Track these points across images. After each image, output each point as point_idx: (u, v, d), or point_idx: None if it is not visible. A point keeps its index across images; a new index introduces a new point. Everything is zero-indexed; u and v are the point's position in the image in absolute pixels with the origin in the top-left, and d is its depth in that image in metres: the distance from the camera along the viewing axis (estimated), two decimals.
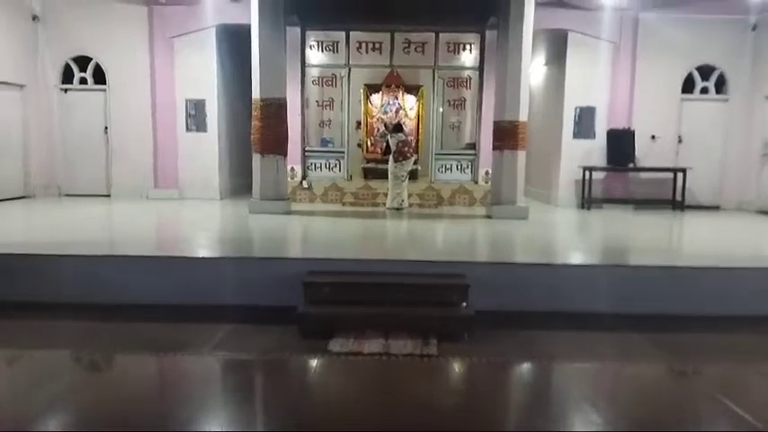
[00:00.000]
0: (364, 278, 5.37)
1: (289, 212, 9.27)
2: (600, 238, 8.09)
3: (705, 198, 11.11)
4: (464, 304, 5.17)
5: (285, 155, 9.31)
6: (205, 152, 11.07)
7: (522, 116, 9.05)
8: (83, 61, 11.09)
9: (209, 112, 11.03)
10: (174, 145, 11.11)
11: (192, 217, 9.31)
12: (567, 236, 8.38)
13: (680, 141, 11.07)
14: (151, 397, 3.84)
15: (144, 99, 11.00)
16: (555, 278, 5.64)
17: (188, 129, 11.09)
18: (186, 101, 11.03)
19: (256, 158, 9.14)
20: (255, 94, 9.04)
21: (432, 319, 4.97)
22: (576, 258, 6.50)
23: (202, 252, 6.31)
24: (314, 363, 4.37)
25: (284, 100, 9.22)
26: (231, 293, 5.52)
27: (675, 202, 10.77)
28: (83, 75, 11.11)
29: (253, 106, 9.10)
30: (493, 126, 9.35)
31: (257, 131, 9.07)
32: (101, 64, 11.02)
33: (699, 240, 8.02)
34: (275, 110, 9.05)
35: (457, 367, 4.40)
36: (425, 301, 5.19)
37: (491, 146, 9.63)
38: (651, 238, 8.08)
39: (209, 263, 5.72)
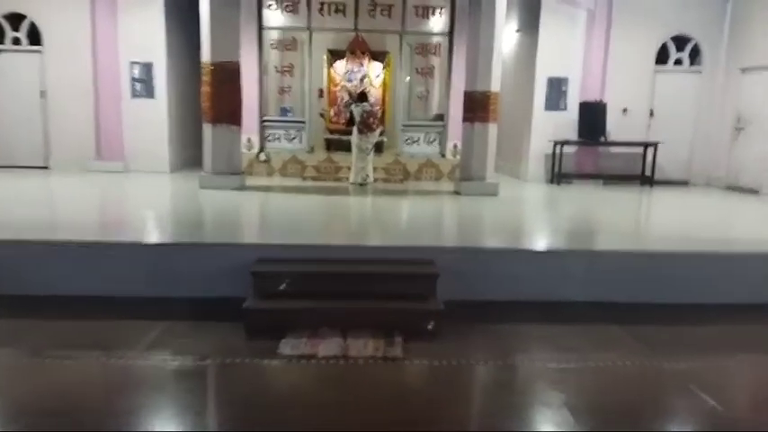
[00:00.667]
0: (321, 267, 4.74)
1: (243, 188, 8.50)
2: (572, 218, 7.57)
3: (674, 173, 10.78)
4: (432, 296, 4.60)
5: (239, 124, 8.49)
6: (153, 120, 10.11)
7: (495, 86, 8.43)
8: (15, 19, 9.88)
9: (158, 76, 10.04)
10: (118, 112, 10.11)
11: (133, 193, 8.47)
12: (539, 216, 7.84)
13: (651, 115, 10.65)
14: (60, 409, 3.15)
15: (84, 61, 9.91)
16: (527, 264, 5.11)
17: (134, 95, 10.08)
18: (131, 64, 10.00)
19: (207, 128, 8.30)
20: (205, 57, 8.16)
21: (397, 314, 4.38)
22: (549, 242, 5.96)
23: (136, 236, 5.48)
24: (259, 370, 3.74)
25: (237, 64, 8.36)
26: (169, 284, 4.81)
27: (644, 178, 10.41)
28: (16, 34, 9.92)
29: (202, 71, 8.22)
30: (464, 96, 8.71)
31: (207, 98, 8.21)
32: (35, 22, 9.85)
33: (670, 221, 7.60)
34: (227, 75, 8.19)
35: (424, 372, 3.83)
36: (390, 294, 4.59)
37: (461, 117, 9.03)
38: (623, 219, 7.63)
39: (145, 249, 4.97)
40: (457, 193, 8.71)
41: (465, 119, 8.68)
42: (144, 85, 10.06)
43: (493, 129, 8.54)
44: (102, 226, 6.33)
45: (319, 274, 4.66)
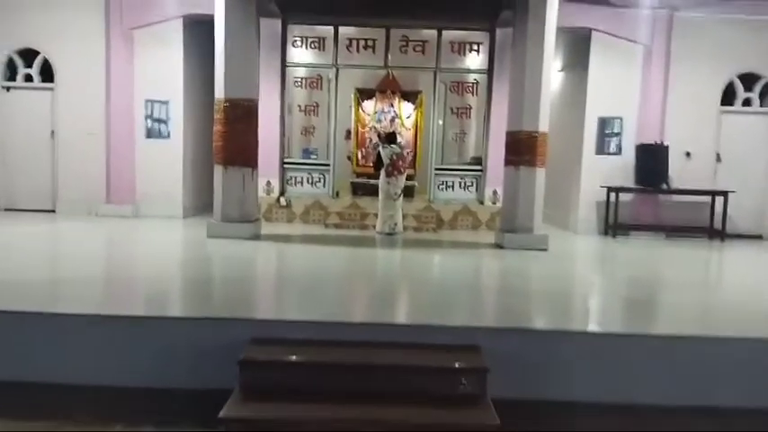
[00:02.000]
0: (332, 353, 3.51)
1: (257, 237, 7.41)
2: (647, 283, 6.03)
3: (745, 226, 9.28)
4: (483, 400, 3.30)
5: (254, 167, 7.46)
6: (167, 162, 9.20)
7: (543, 126, 7.25)
8: (28, 55, 9.22)
9: (174, 115, 9.18)
10: (130, 153, 9.23)
11: (129, 244, 7.40)
12: (605, 279, 6.31)
13: (718, 160, 9.26)
14: None
15: (97, 99, 9.11)
16: (604, 351, 3.78)
17: (148, 135, 9.22)
18: (146, 102, 9.17)
19: (218, 171, 7.30)
20: (218, 92, 7.23)
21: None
22: (631, 321, 4.57)
23: (94, 305, 4.16)
24: None
25: (255, 102, 7.39)
26: (129, 370, 3.64)
27: (713, 231, 8.96)
28: (28, 71, 9.23)
29: (215, 108, 7.28)
30: (506, 138, 7.53)
31: (220, 138, 7.23)
32: (48, 58, 9.15)
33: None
34: (243, 113, 7.22)
35: None
36: (425, 396, 3.32)
37: (500, 161, 7.88)
38: (711, 285, 6.22)
39: (107, 323, 3.81)
40: (499, 246, 7.43)
41: (508, 162, 7.48)
42: (159, 124, 9.20)
43: (540, 174, 7.32)
44: (58, 288, 4.77)
45: (328, 366, 3.42)
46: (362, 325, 3.83)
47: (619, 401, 3.68)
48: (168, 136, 9.19)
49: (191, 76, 9.34)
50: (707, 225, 9.01)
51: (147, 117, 9.19)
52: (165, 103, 9.17)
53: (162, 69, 9.10)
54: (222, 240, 6.99)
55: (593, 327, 4.22)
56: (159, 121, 9.21)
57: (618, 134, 9.10)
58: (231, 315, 3.85)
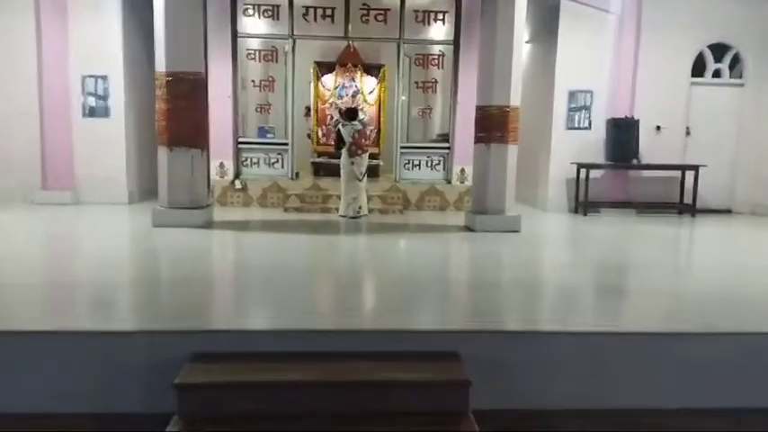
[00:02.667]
0: (292, 371, 2.96)
1: (209, 225, 6.74)
2: (629, 268, 5.57)
3: (714, 200, 9.10)
4: (465, 416, 2.84)
5: (203, 148, 6.74)
6: (109, 143, 8.34)
7: (515, 100, 6.77)
8: None
9: (114, 91, 8.31)
10: (67, 134, 8.33)
11: (61, 237, 6.55)
12: (586, 264, 5.76)
13: (688, 133, 9.00)
14: None
15: (28, 75, 8.13)
16: (595, 353, 3.35)
17: (86, 113, 8.34)
18: (84, 78, 8.27)
19: (162, 153, 6.55)
20: (159, 66, 6.44)
21: None
22: (622, 318, 4.09)
23: (11, 322, 3.34)
24: None
25: (201, 76, 6.65)
26: (60, 395, 3.02)
27: (683, 206, 8.74)
28: None
29: (156, 83, 6.50)
30: (476, 113, 7.02)
31: (163, 117, 6.48)
32: None
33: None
34: (188, 89, 6.46)
35: None
36: (399, 415, 2.82)
37: (468, 138, 7.44)
38: (704, 266, 5.90)
39: (25, 340, 3.16)
40: (469, 228, 6.98)
41: (478, 139, 6.98)
42: (98, 101, 8.32)
43: (513, 151, 6.86)
44: None
45: (286, 385, 2.88)
46: (325, 333, 3.28)
47: (612, 406, 3.28)
48: (108, 114, 8.33)
49: (132, 49, 8.46)
50: (677, 201, 8.79)
51: (84, 94, 8.30)
52: (104, 77, 8.28)
53: (99, 42, 8.21)
54: (169, 230, 6.29)
55: (581, 325, 3.77)
56: (98, 97, 8.32)
57: (588, 108, 8.72)
58: (168, 327, 3.24)
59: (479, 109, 6.93)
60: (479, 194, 6.99)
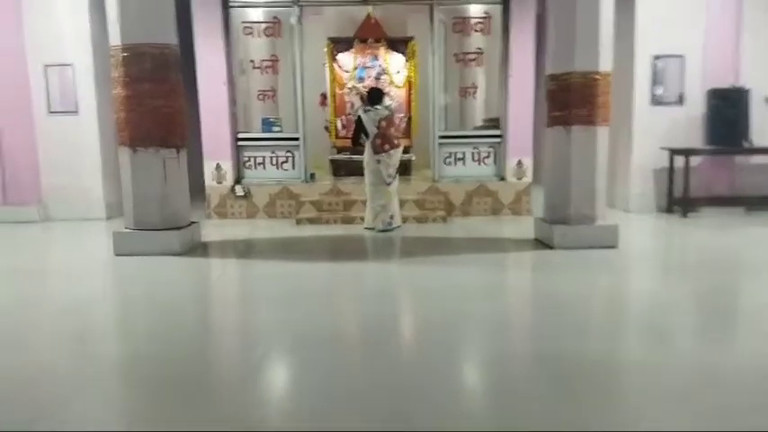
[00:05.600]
0: None
1: (192, 249, 4.86)
2: None
3: None
4: None
5: (179, 146, 4.83)
6: (79, 146, 6.56)
7: (605, 64, 4.70)
8: None
9: (82, 83, 6.51)
10: (29, 136, 6.57)
11: None
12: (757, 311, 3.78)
13: None
14: None
15: None
16: None
17: (51, 110, 6.56)
18: (45, 67, 6.48)
19: (124, 155, 4.68)
20: (114, 38, 4.57)
21: None
22: None
23: None
24: None
25: (172, 49, 4.74)
26: None
27: None
28: None
29: (111, 61, 4.64)
30: (548, 84, 4.95)
31: (121, 107, 4.60)
32: None
33: None
34: (153, 67, 4.57)
35: None
36: None
37: (526, 121, 5.61)
38: None
39: None
40: (544, 243, 4.96)
41: (553, 120, 4.92)
42: (63, 95, 6.52)
43: (603, 135, 4.81)
44: None
45: None
46: None
47: None
48: (76, 110, 6.53)
49: (102, 31, 6.59)
50: None
51: (47, 87, 6.51)
52: (69, 66, 6.48)
53: (62, 25, 6.40)
54: (135, 260, 4.44)
55: None
56: (63, 91, 6.53)
57: (679, 78, 6.56)
58: None
59: (553, 79, 4.86)
60: (556, 197, 4.94)
